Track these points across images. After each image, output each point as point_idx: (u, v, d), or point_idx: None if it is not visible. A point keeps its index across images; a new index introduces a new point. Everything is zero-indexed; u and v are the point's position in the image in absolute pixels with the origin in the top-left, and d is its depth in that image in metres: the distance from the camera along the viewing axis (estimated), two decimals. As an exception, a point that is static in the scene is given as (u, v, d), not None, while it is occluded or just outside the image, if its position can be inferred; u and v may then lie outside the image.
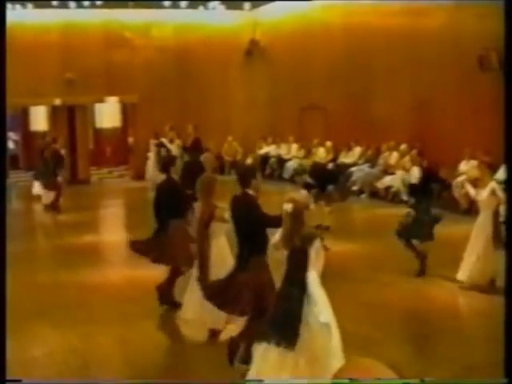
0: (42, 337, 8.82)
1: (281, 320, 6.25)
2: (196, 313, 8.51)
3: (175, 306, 9.55)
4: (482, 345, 8.33)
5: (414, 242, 11.50)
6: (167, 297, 9.82)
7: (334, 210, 15.73)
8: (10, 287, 10.91)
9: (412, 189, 11.80)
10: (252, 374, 6.40)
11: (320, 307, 6.05)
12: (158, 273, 10.63)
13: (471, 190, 11.33)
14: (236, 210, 7.56)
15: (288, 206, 6.33)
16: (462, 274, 10.61)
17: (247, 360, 6.75)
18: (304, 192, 6.49)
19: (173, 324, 9.42)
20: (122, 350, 8.43)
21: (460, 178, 16.60)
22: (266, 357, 6.33)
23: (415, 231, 11.42)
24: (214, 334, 8.38)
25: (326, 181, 15.49)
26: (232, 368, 7.11)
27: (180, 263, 9.59)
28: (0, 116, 8.96)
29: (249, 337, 7.02)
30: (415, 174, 11.62)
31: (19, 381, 5.84)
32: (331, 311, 6.09)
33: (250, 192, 7.48)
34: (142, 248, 9.94)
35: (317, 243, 6.23)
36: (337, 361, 5.91)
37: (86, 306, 10.03)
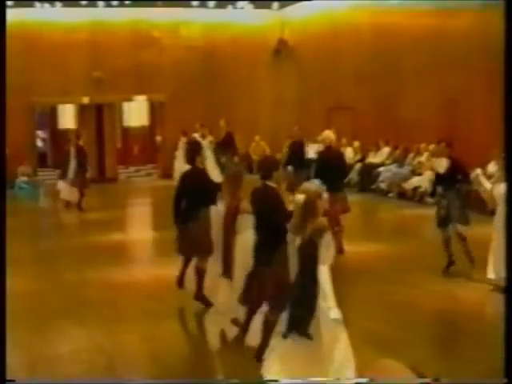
0: (68, 334, 8.84)
1: (292, 310, 6.21)
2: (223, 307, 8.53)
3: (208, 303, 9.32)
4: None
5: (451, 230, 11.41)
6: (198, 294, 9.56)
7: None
8: (38, 285, 11.07)
9: (439, 179, 11.71)
10: (264, 369, 6.43)
11: (330, 303, 6.02)
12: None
13: (486, 184, 11.23)
14: (256, 202, 7.49)
15: (300, 197, 6.28)
16: (491, 273, 10.45)
17: (260, 357, 6.80)
18: (317, 181, 6.41)
19: (199, 322, 9.44)
20: (149, 348, 8.42)
21: (475, 172, 16.43)
22: (277, 350, 6.35)
23: (451, 216, 11.31)
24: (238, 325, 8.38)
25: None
26: (258, 366, 7.09)
27: (198, 253, 9.28)
28: (0, 116, 9.00)
29: (266, 331, 7.04)
30: (443, 164, 11.51)
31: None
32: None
33: (271, 184, 7.41)
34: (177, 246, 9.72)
35: (327, 236, 6.14)
36: (346, 360, 6.03)
37: (112, 304, 10.04)
